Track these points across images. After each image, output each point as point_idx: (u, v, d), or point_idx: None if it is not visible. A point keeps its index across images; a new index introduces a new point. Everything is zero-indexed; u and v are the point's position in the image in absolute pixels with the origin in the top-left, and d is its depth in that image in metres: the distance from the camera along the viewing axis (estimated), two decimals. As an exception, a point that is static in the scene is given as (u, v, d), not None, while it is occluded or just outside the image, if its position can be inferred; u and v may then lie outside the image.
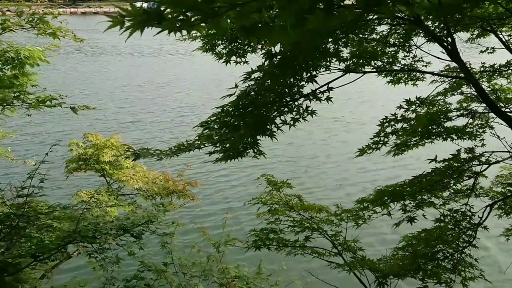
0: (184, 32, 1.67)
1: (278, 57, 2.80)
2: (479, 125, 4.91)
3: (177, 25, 1.60)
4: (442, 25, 4.14)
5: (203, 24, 1.64)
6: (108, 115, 20.61)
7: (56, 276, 7.25)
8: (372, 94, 22.41)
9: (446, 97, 5.60)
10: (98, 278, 5.48)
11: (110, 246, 5.11)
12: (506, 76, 5.85)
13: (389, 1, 1.62)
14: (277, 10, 1.75)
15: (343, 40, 4.30)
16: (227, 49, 4.32)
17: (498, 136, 4.57)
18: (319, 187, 13.50)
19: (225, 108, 2.99)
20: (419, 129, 4.53)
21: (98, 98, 23.89)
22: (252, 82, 2.85)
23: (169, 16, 1.53)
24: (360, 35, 4.51)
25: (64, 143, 8.33)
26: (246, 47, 4.25)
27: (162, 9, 1.48)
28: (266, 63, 2.84)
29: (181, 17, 1.58)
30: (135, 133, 18.23)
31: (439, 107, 5.31)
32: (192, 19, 1.61)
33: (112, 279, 5.31)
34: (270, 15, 1.78)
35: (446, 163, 4.08)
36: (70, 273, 8.21)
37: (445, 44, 3.63)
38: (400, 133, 4.38)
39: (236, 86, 2.88)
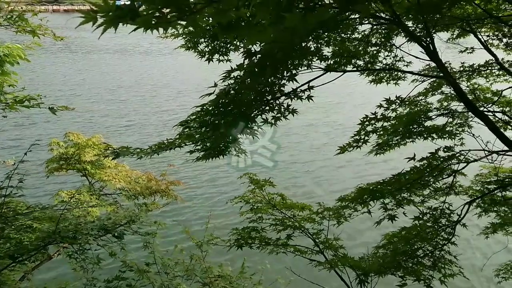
0: (169, 29, 1.65)
1: (258, 55, 2.80)
2: (458, 124, 4.99)
3: (153, 22, 1.58)
4: (422, 25, 4.19)
5: (180, 21, 1.63)
6: (98, 118, 19.91)
7: (37, 277, 7.14)
8: (370, 96, 22.24)
9: (427, 97, 5.68)
10: (79, 279, 5.41)
11: (90, 246, 5.04)
12: (485, 75, 5.96)
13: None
14: (254, 8, 1.74)
15: (325, 39, 4.33)
16: (210, 47, 4.30)
17: (473, 135, 4.66)
18: (312, 191, 13.34)
19: (204, 107, 2.98)
20: (400, 128, 4.59)
21: (87, 99, 23.07)
22: (232, 81, 2.84)
23: (144, 12, 1.51)
24: (343, 34, 4.54)
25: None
26: (228, 45, 4.24)
27: (136, 5, 1.47)
28: (246, 61, 2.83)
29: (157, 13, 1.57)
30: (125, 136, 17.59)
31: (421, 107, 5.38)
32: (168, 16, 1.59)
33: (93, 279, 5.25)
34: (249, 12, 1.77)
35: (425, 161, 4.14)
36: (52, 274, 8.09)
37: (424, 44, 3.68)
38: (381, 132, 4.42)
39: (216, 85, 2.87)
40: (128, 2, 1.47)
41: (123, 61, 34.56)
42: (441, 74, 4.04)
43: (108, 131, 17.76)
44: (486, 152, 4.01)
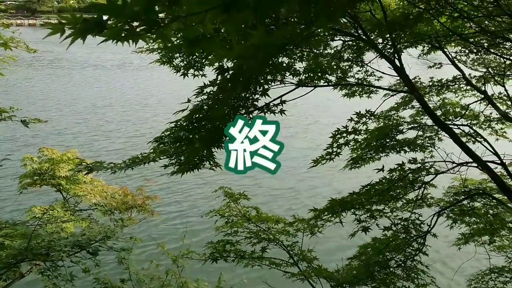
0: (144, 44, 1.69)
1: (231, 71, 2.86)
2: (429, 137, 5.13)
3: (123, 35, 1.62)
4: (390, 41, 4.33)
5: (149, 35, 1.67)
6: (86, 139, 18.80)
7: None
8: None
9: (399, 111, 5.84)
10: (52, 297, 5.28)
11: (63, 263, 4.96)
12: (453, 90, 6.17)
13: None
14: (221, 24, 1.80)
15: (298, 54, 4.43)
16: (185, 62, 4.34)
17: (434, 147, 4.80)
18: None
19: (178, 123, 3.01)
20: (374, 142, 4.69)
21: (75, 118, 21.83)
22: (205, 97, 2.89)
23: (113, 25, 1.55)
24: (315, 50, 4.66)
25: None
26: (203, 60, 4.30)
27: (104, 18, 1.50)
28: (219, 77, 2.89)
29: (126, 27, 1.60)
30: (115, 160, 16.68)
31: (393, 121, 5.52)
32: (138, 29, 1.63)
33: (66, 298, 5.14)
34: (215, 28, 1.83)
35: (393, 173, 4.24)
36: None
37: (392, 60, 3.81)
38: (353, 144, 4.52)
39: (189, 100, 2.91)
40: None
41: (115, 76, 33.35)
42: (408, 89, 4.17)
43: (97, 155, 16.71)
44: (447, 164, 4.15)
